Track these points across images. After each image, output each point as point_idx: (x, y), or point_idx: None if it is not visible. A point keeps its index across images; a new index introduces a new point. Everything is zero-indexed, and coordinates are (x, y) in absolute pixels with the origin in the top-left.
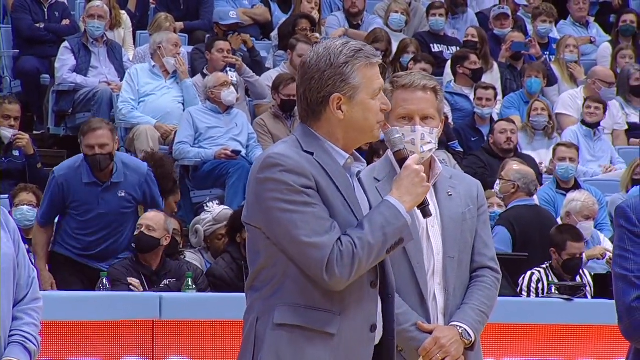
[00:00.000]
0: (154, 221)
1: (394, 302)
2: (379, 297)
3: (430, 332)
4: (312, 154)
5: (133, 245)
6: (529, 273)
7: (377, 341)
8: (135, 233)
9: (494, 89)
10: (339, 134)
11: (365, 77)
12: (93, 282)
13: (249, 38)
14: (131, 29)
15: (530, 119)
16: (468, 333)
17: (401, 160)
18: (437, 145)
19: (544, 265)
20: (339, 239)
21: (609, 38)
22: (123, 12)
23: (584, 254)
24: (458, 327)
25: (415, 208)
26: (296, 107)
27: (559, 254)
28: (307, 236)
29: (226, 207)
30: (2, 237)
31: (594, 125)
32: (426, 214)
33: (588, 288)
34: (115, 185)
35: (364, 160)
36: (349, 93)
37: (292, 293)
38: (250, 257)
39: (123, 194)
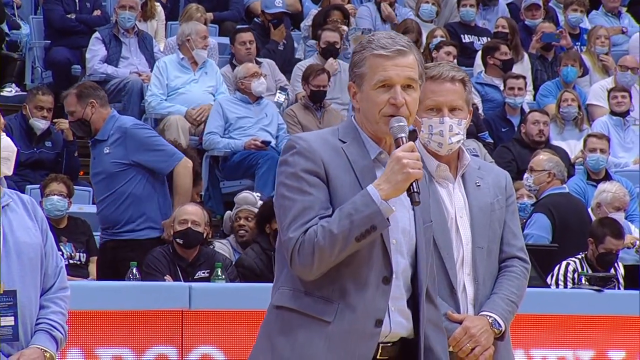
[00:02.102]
0: (198, 215)
1: (423, 302)
2: (400, 292)
3: (460, 322)
4: (344, 142)
5: (179, 240)
6: (564, 263)
7: (405, 334)
8: (182, 228)
9: (525, 78)
10: (363, 123)
11: (370, 67)
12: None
13: (283, 33)
14: (164, 20)
15: (560, 109)
16: (498, 323)
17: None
18: (465, 136)
19: (580, 256)
20: (309, 228)
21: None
22: (157, 3)
23: (620, 251)
24: (488, 317)
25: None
26: (325, 99)
27: (596, 246)
28: (287, 224)
29: (248, 191)
30: (30, 227)
31: (624, 114)
32: (413, 200)
33: (620, 280)
34: (100, 142)
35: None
36: (357, 82)
37: (295, 278)
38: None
39: (108, 151)
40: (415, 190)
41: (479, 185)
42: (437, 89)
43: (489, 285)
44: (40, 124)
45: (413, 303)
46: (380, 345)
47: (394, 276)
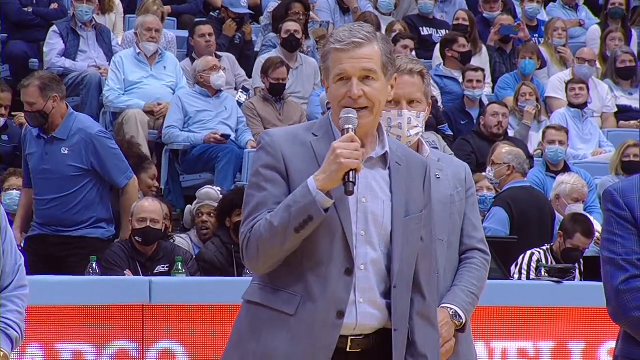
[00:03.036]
0: (157, 213)
1: (401, 294)
2: (369, 283)
3: None
4: (316, 136)
5: (138, 238)
6: (529, 252)
7: (378, 326)
8: (140, 227)
9: (483, 71)
10: (334, 118)
11: (332, 61)
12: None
13: (251, 31)
14: (122, 14)
15: (519, 103)
16: (459, 315)
17: None
18: (424, 128)
19: (545, 247)
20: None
21: (598, 20)
22: None
23: (586, 249)
24: (449, 309)
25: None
26: (285, 91)
27: (565, 240)
28: (243, 219)
29: (210, 186)
30: None
31: (582, 106)
32: (346, 190)
33: (577, 273)
34: (58, 140)
35: (386, 147)
36: (325, 76)
37: (264, 274)
38: None
39: (66, 152)
40: (350, 179)
41: (438, 177)
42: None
43: (450, 277)
44: None
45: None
46: (350, 337)
47: (362, 267)
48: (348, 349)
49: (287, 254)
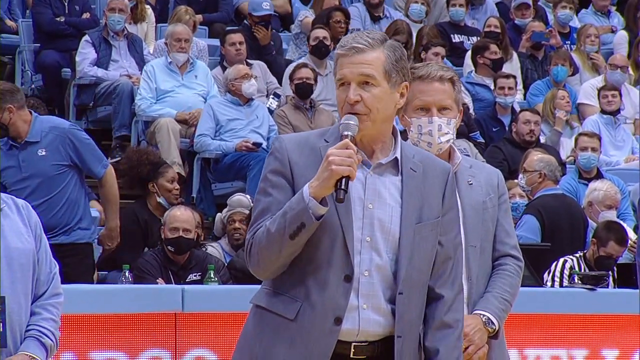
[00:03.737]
0: (189, 223)
1: (409, 300)
2: (373, 289)
3: None
4: (327, 142)
5: (170, 248)
6: (561, 260)
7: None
8: (173, 236)
9: (515, 77)
10: None
11: (338, 66)
12: None
13: (266, 35)
14: (154, 23)
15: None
16: (491, 321)
17: None
18: (454, 135)
19: (578, 254)
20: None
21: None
22: (148, 6)
23: (620, 257)
24: (481, 316)
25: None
26: (315, 99)
27: (598, 247)
28: (250, 225)
29: (241, 193)
30: (23, 232)
31: (614, 113)
32: (337, 196)
33: (611, 280)
34: (32, 144)
35: (398, 154)
36: (335, 81)
37: (273, 278)
38: None
39: (43, 153)
40: (342, 187)
41: (471, 184)
42: (425, 88)
43: (483, 283)
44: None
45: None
46: (353, 344)
47: (366, 273)
48: (351, 355)
49: (288, 260)
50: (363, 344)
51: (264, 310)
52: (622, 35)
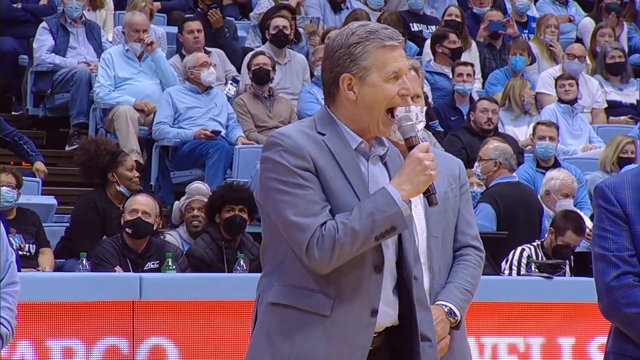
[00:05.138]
0: (149, 206)
1: (411, 286)
2: (385, 282)
3: None
4: (323, 135)
5: (128, 230)
6: (519, 249)
7: (389, 324)
8: (132, 218)
9: (473, 65)
10: (353, 116)
11: (377, 58)
12: None
13: (217, 19)
14: (112, 10)
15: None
16: (454, 312)
17: (411, 148)
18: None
19: (535, 243)
20: (325, 222)
21: (585, 14)
22: None
23: (577, 246)
24: (444, 306)
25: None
26: (270, 83)
27: (556, 236)
28: (293, 217)
29: (200, 181)
30: None
31: (571, 102)
32: (431, 202)
33: (567, 268)
34: None
35: (387, 144)
36: (359, 74)
37: (289, 273)
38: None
39: None
40: (433, 191)
41: None
42: None
43: (444, 274)
44: None
45: (398, 290)
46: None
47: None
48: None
49: None
50: (375, 335)
51: (288, 308)
52: (588, 23)
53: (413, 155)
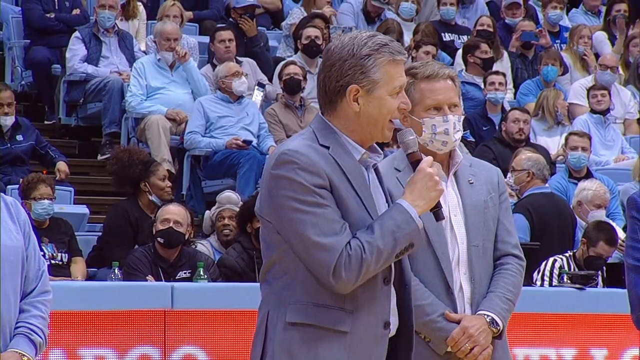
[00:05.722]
0: (181, 216)
1: (410, 293)
2: (392, 292)
3: (458, 322)
4: (327, 148)
5: (160, 239)
6: (551, 259)
7: (392, 333)
8: (163, 227)
9: (505, 75)
10: (354, 127)
11: (387, 73)
12: None
13: (250, 27)
14: (145, 20)
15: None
16: (496, 322)
17: (415, 162)
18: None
19: (568, 254)
20: (349, 242)
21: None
22: (139, 3)
23: (609, 258)
24: (486, 316)
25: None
26: (301, 93)
27: (588, 247)
28: (316, 237)
29: (230, 190)
30: (12, 229)
31: (604, 113)
32: (438, 217)
33: (600, 279)
34: None
35: (381, 152)
36: (367, 86)
37: (303, 291)
38: (263, 248)
39: None
40: (440, 206)
41: (471, 183)
42: (435, 87)
43: (485, 283)
44: (4, 120)
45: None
46: None
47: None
48: None
49: None
50: None
51: (309, 327)
52: (599, 35)
53: (423, 171)
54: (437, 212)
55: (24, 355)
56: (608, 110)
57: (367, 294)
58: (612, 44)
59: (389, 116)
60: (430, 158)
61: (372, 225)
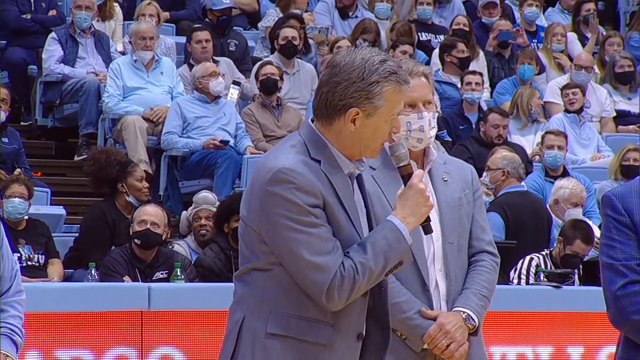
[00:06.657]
0: (158, 217)
1: (387, 294)
2: (366, 304)
3: (434, 319)
4: (319, 162)
5: (137, 241)
6: (528, 258)
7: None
8: (140, 229)
9: (482, 74)
10: (346, 144)
11: (389, 100)
12: None
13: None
14: (121, 20)
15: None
16: (472, 318)
17: (407, 175)
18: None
19: (544, 252)
20: (342, 263)
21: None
22: (116, 3)
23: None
24: (462, 312)
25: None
26: (278, 93)
27: (564, 245)
28: (310, 257)
29: (207, 191)
30: None
31: (577, 111)
32: (427, 230)
33: (576, 277)
34: None
35: (364, 162)
36: (368, 110)
37: (284, 302)
38: (242, 251)
39: None
40: (429, 220)
41: (446, 181)
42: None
43: (461, 280)
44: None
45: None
46: None
47: None
48: None
49: None
50: None
51: (289, 339)
52: (571, 35)
53: (415, 187)
54: (426, 225)
55: (7, 355)
56: (581, 109)
57: (348, 307)
58: (582, 44)
59: (381, 140)
60: (420, 172)
61: (365, 244)
